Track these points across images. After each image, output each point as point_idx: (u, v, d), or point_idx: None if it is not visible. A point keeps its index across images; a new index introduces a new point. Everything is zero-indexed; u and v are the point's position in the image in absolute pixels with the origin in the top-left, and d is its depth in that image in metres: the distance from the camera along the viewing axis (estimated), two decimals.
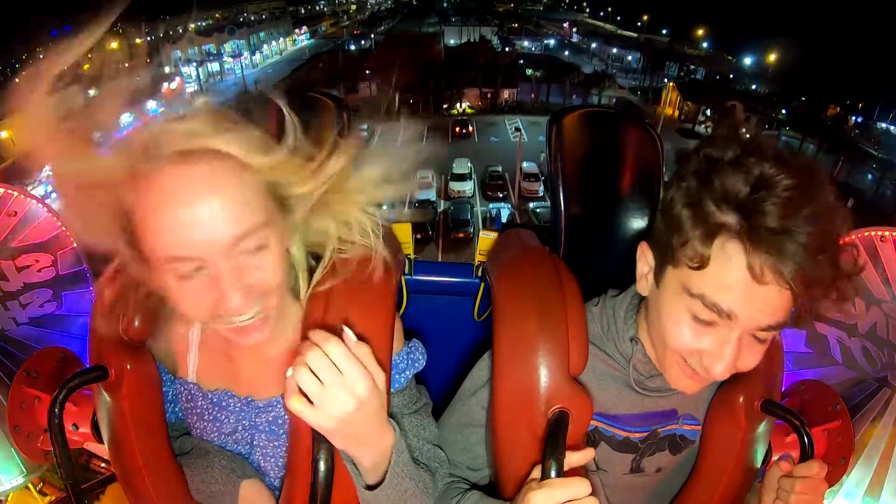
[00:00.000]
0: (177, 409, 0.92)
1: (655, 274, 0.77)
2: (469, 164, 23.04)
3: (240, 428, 0.87)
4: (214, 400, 0.87)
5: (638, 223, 1.08)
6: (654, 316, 0.79)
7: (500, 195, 21.73)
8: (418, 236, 18.30)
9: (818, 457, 0.93)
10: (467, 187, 21.83)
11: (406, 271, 1.38)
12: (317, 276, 0.78)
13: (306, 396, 0.63)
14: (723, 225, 0.65)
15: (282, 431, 0.86)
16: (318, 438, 0.69)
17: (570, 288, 0.82)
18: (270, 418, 0.86)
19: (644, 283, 0.81)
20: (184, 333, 0.87)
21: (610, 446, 0.89)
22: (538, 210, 19.34)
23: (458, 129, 29.26)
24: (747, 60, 29.60)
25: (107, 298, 0.85)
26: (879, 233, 1.24)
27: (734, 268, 0.65)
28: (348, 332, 0.65)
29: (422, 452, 0.85)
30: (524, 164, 22.09)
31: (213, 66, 37.79)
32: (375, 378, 0.66)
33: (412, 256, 1.45)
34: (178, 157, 0.60)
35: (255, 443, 0.88)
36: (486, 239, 1.42)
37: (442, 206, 20.85)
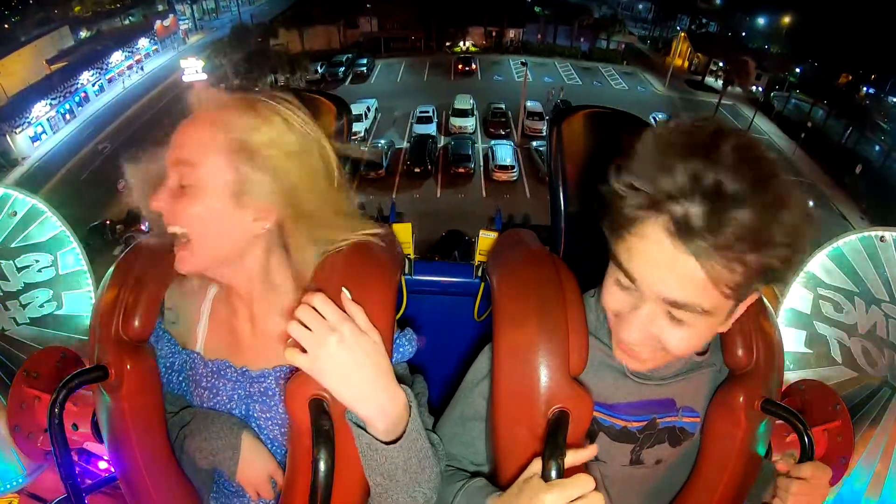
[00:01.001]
0: (181, 378, 0.95)
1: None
2: (471, 100, 22.57)
3: (235, 397, 0.91)
4: (213, 369, 0.91)
5: None
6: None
7: (503, 132, 21.33)
8: (416, 170, 18.21)
9: (818, 457, 0.93)
10: (469, 123, 21.37)
11: (406, 271, 1.38)
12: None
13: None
14: (653, 204, 0.65)
15: (273, 403, 0.90)
16: (318, 438, 0.69)
17: (570, 288, 0.82)
18: (262, 388, 0.90)
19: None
20: (198, 306, 0.93)
21: (608, 436, 0.89)
22: (541, 148, 18.86)
23: (460, 66, 28.78)
24: (761, 21, 28.95)
25: (107, 298, 0.85)
26: (879, 233, 1.24)
27: (648, 241, 0.66)
28: (345, 292, 0.73)
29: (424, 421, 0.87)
30: (528, 103, 21.61)
31: (209, 3, 36.74)
32: (370, 336, 0.72)
33: (412, 256, 1.45)
34: (197, 105, 0.81)
35: (249, 412, 0.91)
36: (486, 239, 1.42)
37: (442, 141, 20.44)
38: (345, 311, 0.72)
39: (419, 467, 0.77)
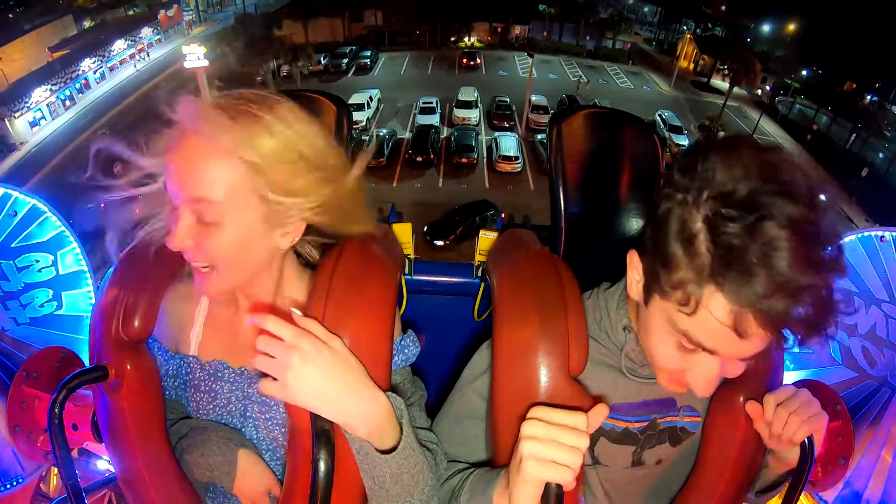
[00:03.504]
0: (177, 383, 0.93)
1: (644, 290, 0.76)
2: (475, 93, 22.43)
3: (233, 399, 0.90)
4: (210, 370, 0.90)
5: (638, 223, 1.08)
6: (641, 327, 0.80)
7: (507, 125, 21.21)
8: (418, 159, 18.04)
9: (818, 457, 0.93)
10: (472, 115, 21.21)
11: (406, 271, 1.38)
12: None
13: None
14: (713, 275, 0.62)
15: (273, 403, 0.88)
16: (318, 438, 0.69)
17: (570, 288, 0.82)
18: (268, 395, 0.88)
19: (635, 289, 0.79)
20: (192, 310, 0.91)
21: (609, 440, 0.89)
22: (546, 141, 18.98)
23: (465, 60, 28.71)
24: (765, 27, 29.00)
25: (107, 298, 0.85)
26: (879, 233, 1.24)
27: (719, 318, 0.64)
28: (295, 312, 0.72)
29: (418, 435, 0.86)
30: (533, 97, 21.51)
31: None
32: (330, 343, 0.70)
33: (412, 256, 1.45)
34: (192, 130, 0.72)
35: (248, 414, 0.90)
36: (486, 239, 1.42)
37: (445, 132, 20.29)
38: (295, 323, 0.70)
39: (411, 481, 0.76)
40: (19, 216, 1.34)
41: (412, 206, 15.54)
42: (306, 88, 1.16)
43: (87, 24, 29.24)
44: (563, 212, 1.17)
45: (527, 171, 18.37)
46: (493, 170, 18.16)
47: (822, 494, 1.18)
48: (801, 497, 0.84)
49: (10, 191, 1.34)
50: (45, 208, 1.37)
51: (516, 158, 18.07)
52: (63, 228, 1.39)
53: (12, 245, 1.33)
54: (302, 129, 0.75)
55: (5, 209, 1.33)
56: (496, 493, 0.75)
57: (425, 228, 14.15)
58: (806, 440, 0.79)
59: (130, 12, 32.02)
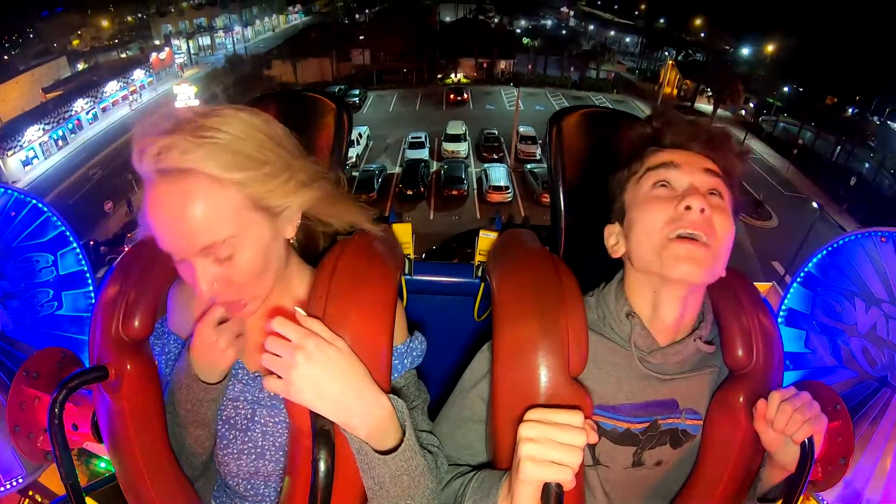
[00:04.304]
0: None
1: (621, 222, 0.93)
2: (464, 126, 22.55)
3: (241, 399, 0.89)
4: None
5: None
6: (635, 236, 0.88)
7: (496, 157, 21.34)
8: (409, 192, 18.19)
9: (818, 457, 0.93)
10: (461, 148, 21.37)
11: (406, 271, 1.38)
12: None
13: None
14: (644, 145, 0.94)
15: (281, 407, 0.88)
16: (317, 438, 0.69)
17: (570, 288, 0.82)
18: (272, 393, 0.87)
19: (618, 246, 0.92)
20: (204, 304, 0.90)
21: (610, 440, 0.89)
22: (536, 170, 18.89)
23: (452, 95, 29.08)
24: (745, 51, 29.56)
25: (107, 298, 0.85)
26: (879, 233, 1.24)
27: (661, 152, 0.90)
28: (299, 311, 0.72)
29: (420, 438, 0.86)
30: (521, 128, 21.64)
31: (205, 41, 37.72)
32: (335, 343, 0.71)
33: (412, 256, 1.45)
34: (157, 175, 0.68)
35: (255, 417, 0.89)
36: (485, 239, 1.41)
37: (434, 167, 20.44)
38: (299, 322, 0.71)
39: (412, 483, 0.76)
40: (19, 216, 1.34)
41: None
42: (306, 89, 1.16)
43: (80, 66, 30.05)
44: (563, 212, 1.17)
45: (517, 201, 18.52)
46: (484, 201, 18.30)
47: (822, 494, 1.17)
48: (801, 497, 0.84)
49: (10, 191, 1.34)
50: (45, 208, 1.37)
51: (507, 188, 18.22)
52: (63, 228, 1.39)
53: (12, 245, 1.33)
54: (258, 123, 0.73)
55: (5, 209, 1.33)
56: (500, 498, 0.75)
57: (423, 256, 14.24)
58: (806, 441, 0.79)
59: (123, 55, 32.91)
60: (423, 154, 20.81)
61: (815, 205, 16.05)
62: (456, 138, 21.77)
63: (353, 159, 20.47)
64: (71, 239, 1.40)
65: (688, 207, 0.82)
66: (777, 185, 21.61)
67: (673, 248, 0.82)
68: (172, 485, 0.89)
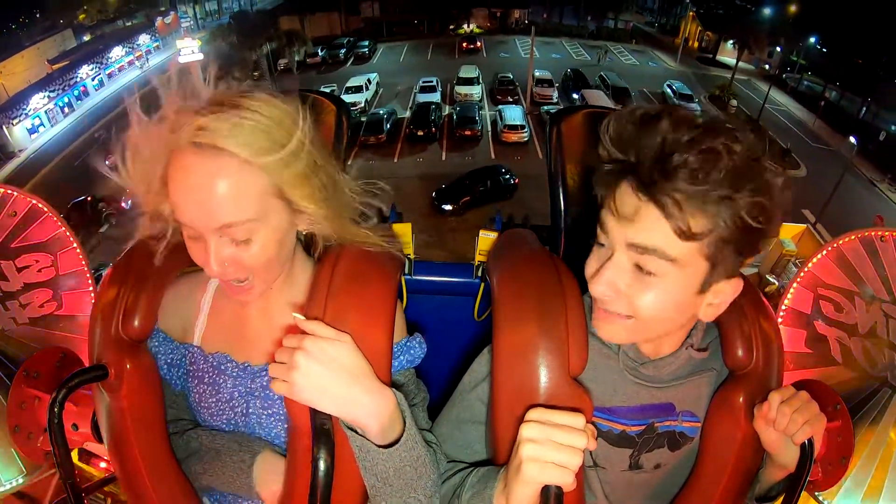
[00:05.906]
0: (180, 373, 0.93)
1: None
2: (477, 70, 22.03)
3: (236, 394, 0.89)
4: (213, 363, 0.90)
5: None
6: None
7: (511, 99, 20.79)
8: (419, 133, 17.67)
9: (818, 457, 0.93)
10: (474, 91, 20.89)
11: (406, 271, 1.38)
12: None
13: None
14: (620, 170, 0.72)
15: (275, 398, 0.88)
16: (317, 437, 0.69)
17: (570, 288, 0.82)
18: (265, 383, 0.88)
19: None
20: (198, 300, 0.91)
21: (607, 441, 0.89)
22: (552, 111, 18.42)
23: (465, 43, 28.66)
24: (767, 11, 27.97)
25: (107, 298, 0.85)
26: (879, 233, 1.24)
27: (618, 195, 0.72)
28: (297, 317, 0.72)
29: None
30: (537, 72, 21.09)
31: (212, 6, 37.45)
32: (340, 339, 0.71)
33: (412, 256, 1.45)
34: (192, 148, 0.69)
35: (250, 410, 0.90)
36: (486, 239, 1.42)
37: (447, 110, 19.92)
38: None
39: (415, 475, 0.76)
40: (19, 216, 1.34)
41: (416, 179, 15.18)
42: (306, 89, 1.17)
43: (86, 38, 29.64)
44: (563, 212, 1.17)
45: (534, 141, 17.73)
46: (499, 141, 17.64)
47: (822, 494, 1.17)
48: (801, 497, 0.84)
49: (10, 191, 1.34)
50: (46, 208, 1.37)
51: (522, 127, 17.52)
52: (63, 228, 1.39)
53: (12, 245, 1.33)
54: (281, 113, 0.73)
55: (5, 209, 1.33)
56: (495, 493, 0.75)
57: (433, 194, 13.81)
58: (806, 441, 0.79)
59: (129, 24, 32.47)
60: (435, 97, 20.36)
61: (852, 139, 14.93)
62: (469, 81, 21.31)
63: (363, 104, 19.97)
64: (71, 239, 1.40)
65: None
66: (805, 136, 20.84)
67: (595, 306, 0.79)
68: (172, 485, 0.89)
